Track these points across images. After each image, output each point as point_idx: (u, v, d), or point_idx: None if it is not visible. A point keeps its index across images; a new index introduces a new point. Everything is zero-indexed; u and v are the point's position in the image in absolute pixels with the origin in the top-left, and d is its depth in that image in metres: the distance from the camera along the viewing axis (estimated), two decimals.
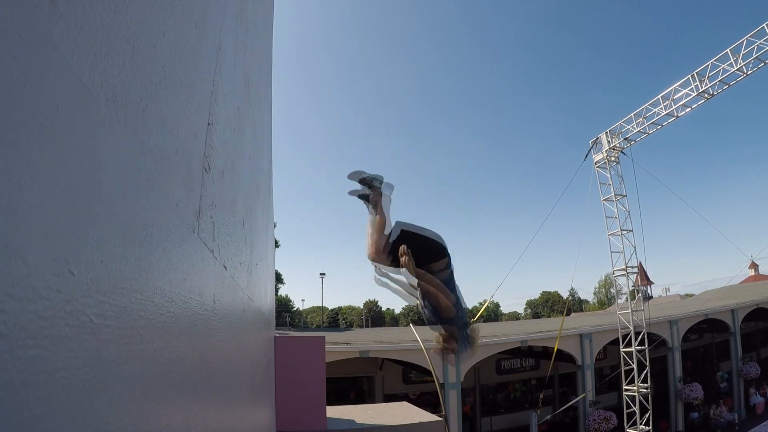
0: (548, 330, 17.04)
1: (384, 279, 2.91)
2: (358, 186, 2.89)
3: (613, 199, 15.14)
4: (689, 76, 12.37)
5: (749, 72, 11.38)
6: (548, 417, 15.93)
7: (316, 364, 4.55)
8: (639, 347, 14.60)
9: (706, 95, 12.29)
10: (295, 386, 4.38)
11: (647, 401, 14.32)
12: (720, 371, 20.77)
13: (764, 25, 10.61)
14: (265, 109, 2.97)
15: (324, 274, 39.62)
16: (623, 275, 15.13)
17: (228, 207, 1.34)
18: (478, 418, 18.52)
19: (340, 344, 14.19)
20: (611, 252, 15.21)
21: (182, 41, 0.83)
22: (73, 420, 0.43)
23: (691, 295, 34.36)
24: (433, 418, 4.95)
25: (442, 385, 13.77)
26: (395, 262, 2.71)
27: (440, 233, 3.13)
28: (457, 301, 2.83)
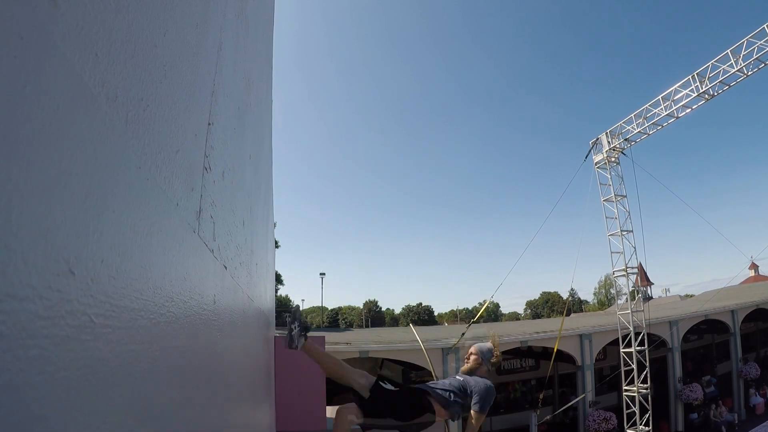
0: (548, 330, 17.03)
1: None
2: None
3: (613, 199, 15.14)
4: (689, 76, 12.36)
5: (749, 73, 11.36)
6: (548, 417, 15.92)
7: (317, 365, 4.54)
8: (639, 348, 14.59)
9: (707, 96, 12.28)
10: (295, 386, 4.38)
11: (647, 402, 14.32)
12: (708, 375, 20.38)
13: (764, 26, 10.60)
14: (265, 109, 2.97)
15: (324, 274, 39.67)
16: (623, 276, 15.11)
17: (228, 207, 1.34)
18: None
19: (340, 344, 14.18)
20: (611, 252, 15.20)
21: (183, 41, 0.83)
22: (73, 420, 0.43)
23: (691, 296, 34.35)
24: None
25: None
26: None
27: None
28: (448, 402, 2.85)
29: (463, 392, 2.89)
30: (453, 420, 2.91)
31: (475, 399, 2.87)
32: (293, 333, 2.80)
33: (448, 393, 2.86)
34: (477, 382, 2.93)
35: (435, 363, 13.86)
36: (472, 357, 3.12)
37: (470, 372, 3.08)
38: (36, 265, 0.37)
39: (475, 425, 2.85)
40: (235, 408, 1.53)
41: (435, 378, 13.16)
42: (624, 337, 15.09)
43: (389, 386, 2.75)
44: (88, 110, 0.46)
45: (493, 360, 3.14)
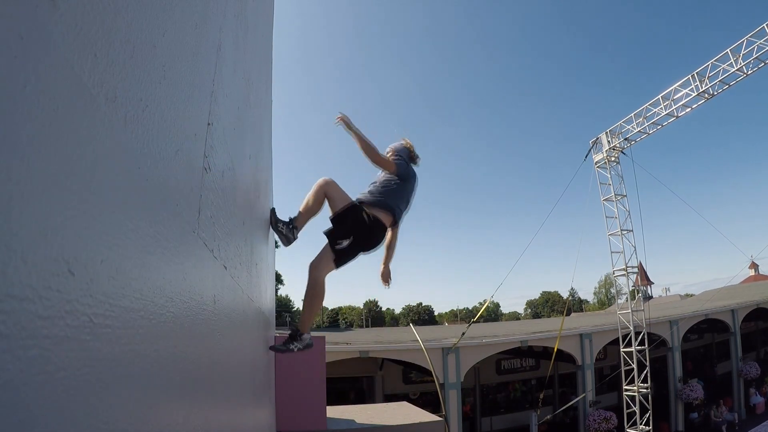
0: (548, 330, 17.03)
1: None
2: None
3: (613, 199, 15.13)
4: (689, 76, 12.35)
5: (749, 72, 11.36)
6: (548, 417, 15.92)
7: (316, 364, 4.55)
8: (639, 347, 14.59)
9: (707, 95, 12.27)
10: (295, 386, 4.38)
11: (647, 401, 14.31)
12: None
13: (764, 25, 10.60)
14: (265, 109, 2.97)
15: None
16: (623, 275, 15.11)
17: (228, 207, 1.34)
18: (478, 418, 18.51)
19: (340, 344, 14.17)
20: (611, 252, 15.20)
21: (182, 41, 0.83)
22: (73, 420, 0.43)
23: (691, 295, 34.34)
24: (433, 418, 4.95)
25: (442, 385, 13.76)
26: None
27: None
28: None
29: (387, 182, 2.95)
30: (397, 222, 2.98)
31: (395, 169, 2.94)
32: (284, 232, 2.85)
33: (380, 197, 2.90)
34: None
35: (435, 363, 13.85)
36: (389, 154, 3.15)
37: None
38: (36, 265, 0.37)
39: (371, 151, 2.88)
40: (235, 408, 1.53)
41: (435, 378, 13.05)
42: (624, 337, 15.08)
43: (345, 243, 2.80)
44: (87, 110, 0.46)
45: (412, 152, 3.18)
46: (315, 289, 2.80)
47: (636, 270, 15.55)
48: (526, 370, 20.31)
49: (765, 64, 11.08)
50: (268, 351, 3.04)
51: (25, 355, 0.35)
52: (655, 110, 13.55)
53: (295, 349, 2.83)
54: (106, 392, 0.50)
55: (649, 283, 35.15)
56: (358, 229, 2.81)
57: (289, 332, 2.88)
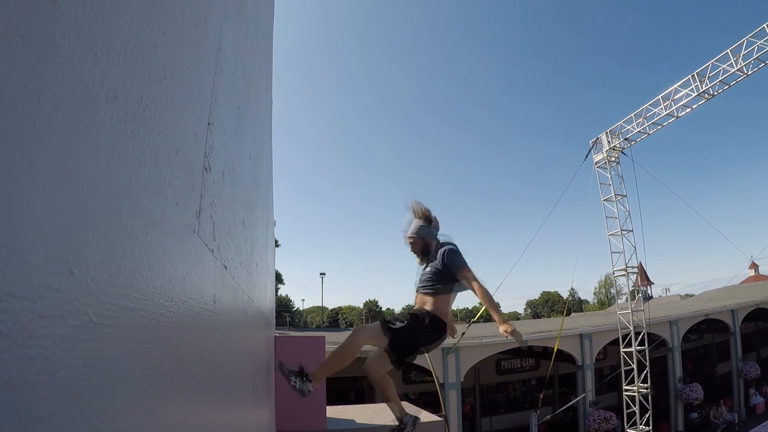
0: (548, 330, 17.03)
1: None
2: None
3: (613, 199, 15.13)
4: (689, 76, 12.36)
5: (749, 72, 11.36)
6: (548, 417, 15.92)
7: (316, 365, 4.54)
8: (639, 347, 14.59)
9: (707, 95, 12.28)
10: None
11: (647, 401, 14.32)
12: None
13: (764, 25, 10.60)
14: (265, 109, 2.97)
15: (324, 274, 39.43)
16: (623, 275, 15.11)
17: (228, 207, 1.34)
18: (478, 418, 18.51)
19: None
20: (611, 252, 15.20)
21: (183, 41, 0.82)
22: (73, 420, 0.43)
23: (691, 296, 34.32)
24: (433, 418, 4.95)
25: (442, 385, 13.76)
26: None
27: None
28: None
29: (439, 274, 2.93)
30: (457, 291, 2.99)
31: (451, 266, 2.90)
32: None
33: (435, 288, 2.91)
34: (437, 255, 2.96)
35: (435, 363, 13.85)
36: (411, 243, 3.10)
37: (425, 257, 3.06)
38: (36, 265, 0.37)
39: (473, 284, 2.87)
40: (235, 408, 1.53)
41: (435, 378, 13.06)
42: (624, 337, 15.09)
43: (398, 324, 2.80)
44: (87, 110, 0.46)
45: (432, 221, 3.10)
46: (346, 356, 2.77)
47: (636, 270, 15.55)
48: (526, 370, 20.30)
49: (765, 64, 11.08)
50: (268, 351, 3.03)
51: (25, 354, 0.35)
52: (655, 110, 13.55)
53: (293, 385, 2.69)
54: (106, 392, 0.50)
55: (649, 283, 35.13)
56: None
57: (299, 369, 2.76)
